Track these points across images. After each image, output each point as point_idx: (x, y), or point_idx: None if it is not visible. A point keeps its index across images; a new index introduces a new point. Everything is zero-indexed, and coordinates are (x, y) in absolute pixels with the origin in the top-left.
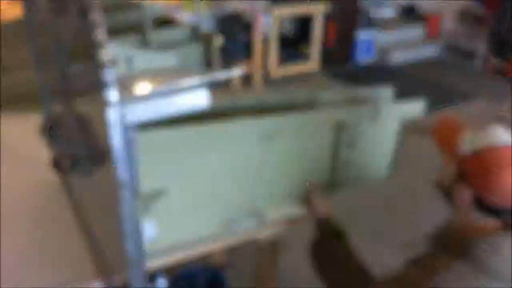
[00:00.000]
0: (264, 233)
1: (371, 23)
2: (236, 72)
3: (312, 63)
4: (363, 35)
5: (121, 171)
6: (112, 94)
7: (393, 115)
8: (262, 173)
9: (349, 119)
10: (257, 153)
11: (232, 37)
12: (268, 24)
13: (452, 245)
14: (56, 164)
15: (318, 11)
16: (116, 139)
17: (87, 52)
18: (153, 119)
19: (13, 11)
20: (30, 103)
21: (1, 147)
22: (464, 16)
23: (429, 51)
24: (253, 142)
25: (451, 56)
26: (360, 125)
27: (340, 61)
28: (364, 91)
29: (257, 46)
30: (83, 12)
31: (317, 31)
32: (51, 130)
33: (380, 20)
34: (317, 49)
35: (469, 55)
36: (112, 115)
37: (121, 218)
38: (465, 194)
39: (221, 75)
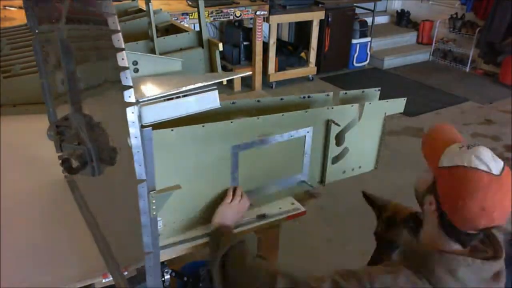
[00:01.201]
0: (264, 229)
1: (366, 30)
2: (237, 75)
3: (309, 67)
4: (358, 41)
5: (138, 168)
6: (131, 96)
7: (378, 112)
8: (260, 170)
9: (338, 117)
10: (256, 151)
11: (234, 43)
12: (268, 31)
13: (414, 257)
14: (65, 164)
15: (315, 19)
16: (133, 138)
17: (99, 55)
18: (165, 119)
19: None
20: (40, 104)
21: (11, 147)
22: (456, 23)
23: (421, 56)
24: (253, 140)
25: (442, 61)
26: (347, 123)
27: (336, 65)
28: (352, 92)
29: (257, 52)
30: (102, 18)
31: (314, 37)
32: (60, 131)
33: (375, 26)
34: (314, 55)
35: (460, 60)
36: (130, 115)
37: (139, 212)
38: (432, 207)
39: (223, 78)
